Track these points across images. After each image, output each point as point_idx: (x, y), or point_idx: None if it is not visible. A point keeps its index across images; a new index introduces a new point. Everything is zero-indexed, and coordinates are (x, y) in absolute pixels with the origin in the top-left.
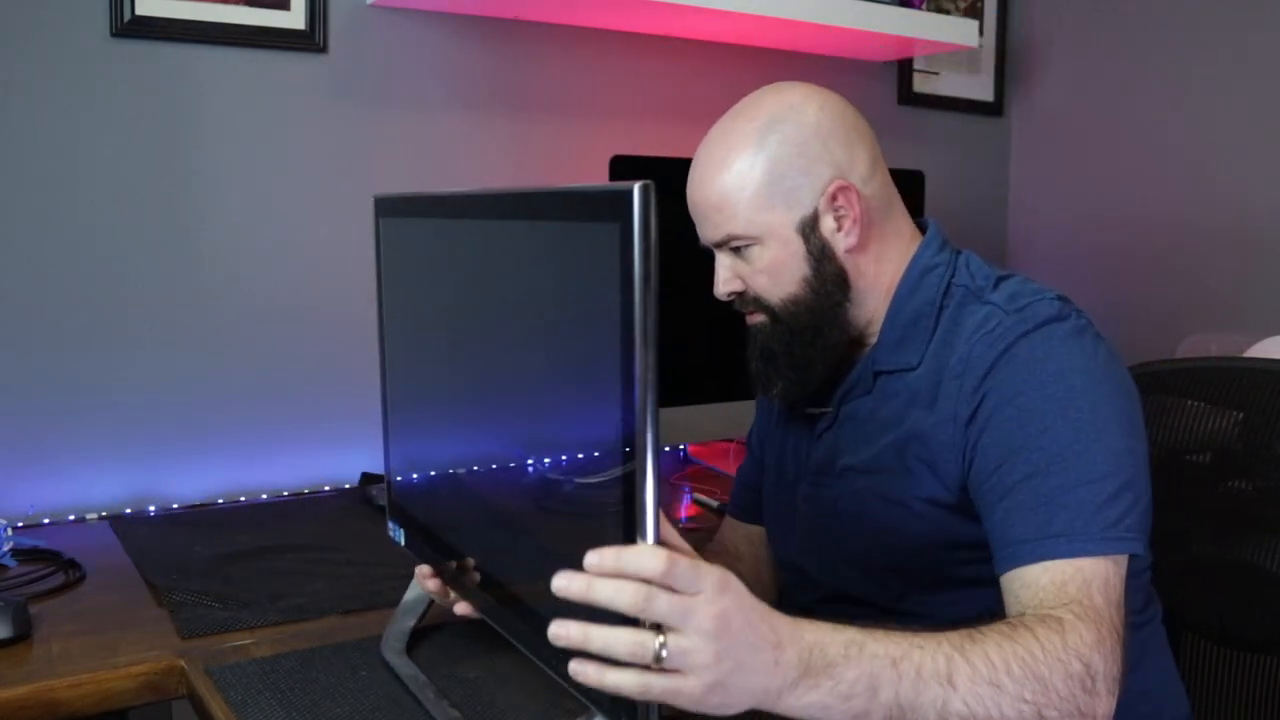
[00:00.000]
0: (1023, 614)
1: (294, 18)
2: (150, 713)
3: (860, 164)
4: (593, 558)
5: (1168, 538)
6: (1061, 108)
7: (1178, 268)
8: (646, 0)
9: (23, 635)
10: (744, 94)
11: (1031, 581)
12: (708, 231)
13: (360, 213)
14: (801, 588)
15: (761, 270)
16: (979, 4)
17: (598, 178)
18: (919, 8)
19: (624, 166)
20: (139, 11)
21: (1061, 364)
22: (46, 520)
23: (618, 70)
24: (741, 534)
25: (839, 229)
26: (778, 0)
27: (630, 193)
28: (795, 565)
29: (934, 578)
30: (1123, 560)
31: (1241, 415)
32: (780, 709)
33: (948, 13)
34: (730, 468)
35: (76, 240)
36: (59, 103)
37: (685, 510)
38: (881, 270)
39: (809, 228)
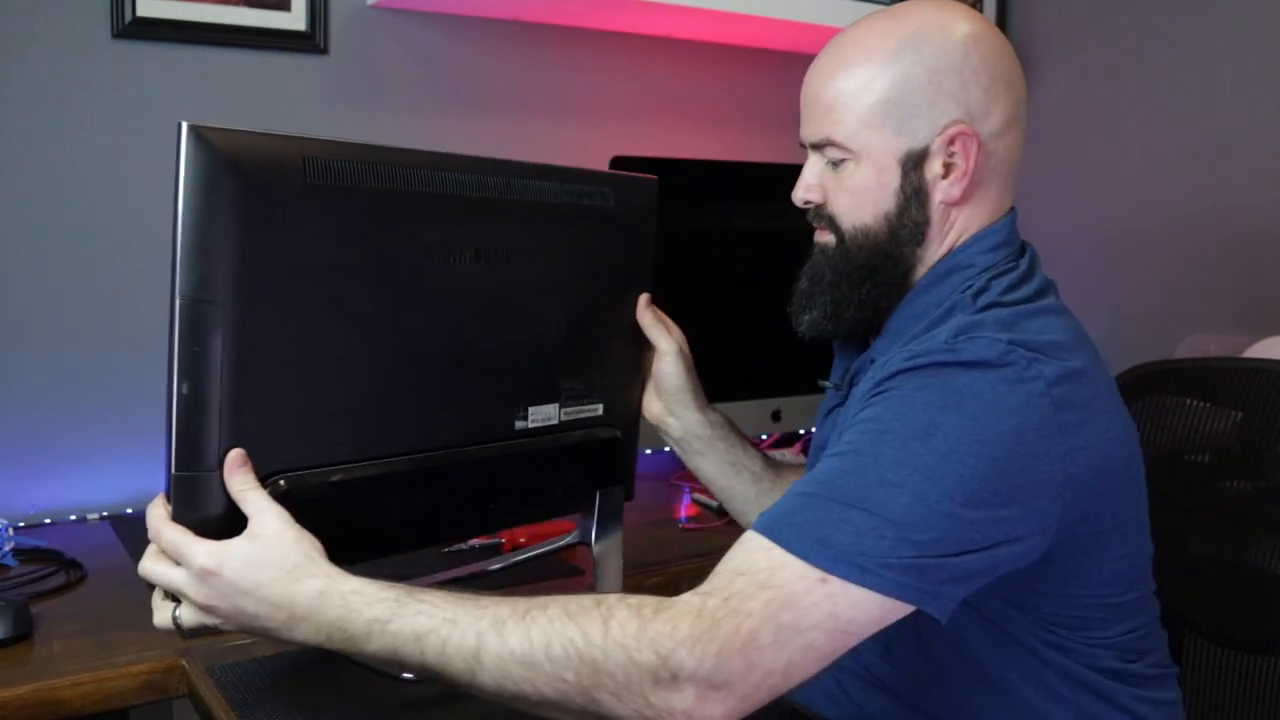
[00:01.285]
0: (627, 594)
1: (294, 19)
2: (151, 712)
3: (995, 116)
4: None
5: (1167, 538)
6: (1061, 108)
7: (1177, 268)
8: (647, 1)
9: (24, 635)
10: (744, 95)
11: (741, 542)
12: (809, 130)
13: None
14: None
15: (848, 189)
16: (978, 5)
17: None
18: None
19: (624, 167)
20: (140, 13)
21: (947, 400)
22: (48, 520)
23: (618, 71)
24: None
25: (944, 175)
26: (777, 2)
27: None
28: None
29: None
30: (857, 599)
31: (1241, 415)
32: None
33: None
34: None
35: (77, 241)
36: (60, 104)
37: (685, 510)
38: (960, 236)
39: (912, 163)
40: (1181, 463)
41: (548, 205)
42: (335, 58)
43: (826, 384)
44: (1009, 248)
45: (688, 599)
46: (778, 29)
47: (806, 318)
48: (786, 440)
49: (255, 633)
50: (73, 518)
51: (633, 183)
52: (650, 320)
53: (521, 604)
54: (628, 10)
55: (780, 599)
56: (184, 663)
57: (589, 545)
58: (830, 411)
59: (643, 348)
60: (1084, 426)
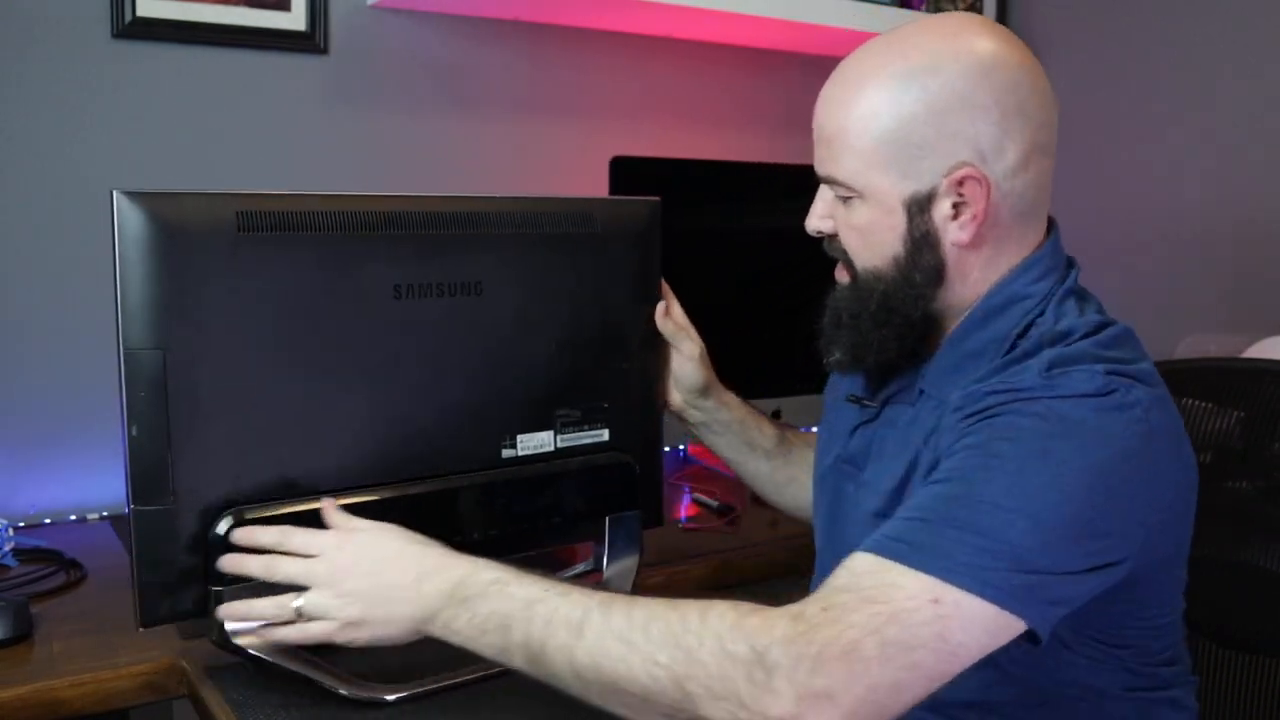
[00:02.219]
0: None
1: (294, 19)
2: (151, 712)
3: (1011, 153)
4: (237, 533)
5: None
6: (1062, 108)
7: (1178, 268)
8: (647, 1)
9: (24, 635)
10: (744, 95)
11: (845, 565)
12: (818, 162)
13: None
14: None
15: (855, 226)
16: (978, 4)
17: (598, 179)
18: (919, 8)
19: (624, 168)
20: (140, 13)
21: (1054, 429)
22: (48, 520)
23: (618, 71)
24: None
25: (954, 217)
26: (777, 1)
27: None
28: (816, 548)
29: None
30: (970, 616)
31: (1242, 415)
32: (436, 633)
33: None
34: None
35: (77, 241)
36: (60, 104)
37: (685, 510)
38: (986, 277)
39: (918, 206)
40: None
41: (521, 239)
42: (335, 58)
43: (857, 398)
44: (1058, 271)
45: (787, 607)
46: (778, 29)
47: (831, 359)
48: None
49: (372, 607)
50: (73, 518)
51: (627, 206)
52: (673, 330)
53: (630, 596)
54: (628, 10)
55: (887, 614)
56: (184, 663)
57: (601, 573)
58: (858, 427)
59: (655, 373)
60: (1169, 453)
